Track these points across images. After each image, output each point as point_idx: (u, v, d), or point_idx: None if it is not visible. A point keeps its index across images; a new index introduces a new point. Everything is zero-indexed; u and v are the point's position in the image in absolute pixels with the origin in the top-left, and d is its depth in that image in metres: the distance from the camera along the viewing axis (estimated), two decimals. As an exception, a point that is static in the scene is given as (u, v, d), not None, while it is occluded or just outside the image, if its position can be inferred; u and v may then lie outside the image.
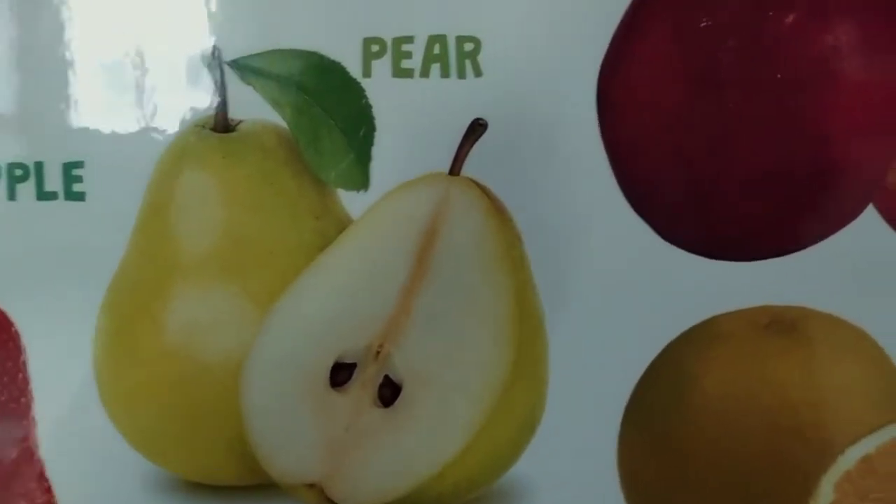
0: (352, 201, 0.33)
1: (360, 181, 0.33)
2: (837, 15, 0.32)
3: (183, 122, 0.33)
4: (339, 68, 0.33)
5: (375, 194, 0.33)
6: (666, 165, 0.32)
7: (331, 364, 0.34)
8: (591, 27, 0.32)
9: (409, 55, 0.32)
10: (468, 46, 0.32)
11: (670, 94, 0.32)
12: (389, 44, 0.32)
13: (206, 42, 0.32)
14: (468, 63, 0.32)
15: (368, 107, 0.33)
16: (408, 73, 0.32)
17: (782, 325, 0.34)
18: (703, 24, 0.31)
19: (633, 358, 0.34)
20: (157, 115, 0.33)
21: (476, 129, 0.33)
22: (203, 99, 0.33)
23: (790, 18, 0.31)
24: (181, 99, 0.33)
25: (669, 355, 0.34)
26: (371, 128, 0.33)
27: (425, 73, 0.32)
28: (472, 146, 0.33)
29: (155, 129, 0.33)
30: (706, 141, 0.32)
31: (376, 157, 0.33)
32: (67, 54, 0.33)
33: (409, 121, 0.33)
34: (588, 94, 0.32)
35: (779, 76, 0.32)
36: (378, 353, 0.34)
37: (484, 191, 0.33)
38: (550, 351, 0.34)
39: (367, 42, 0.32)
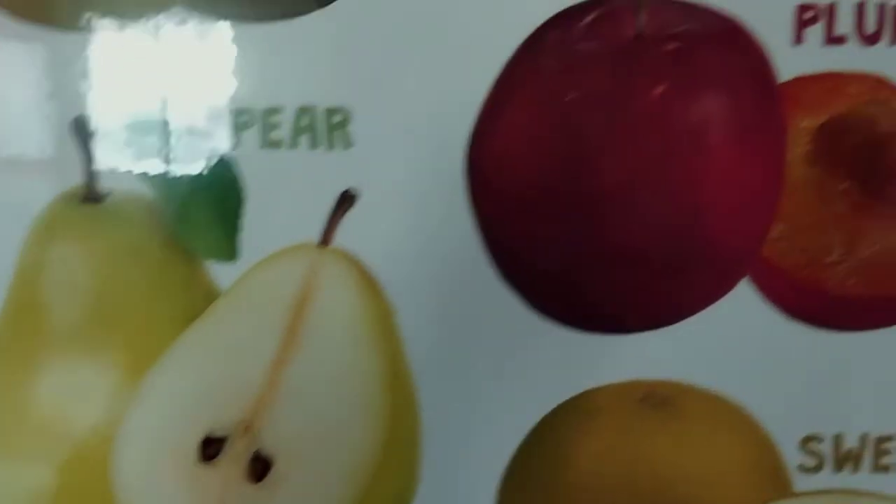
0: (221, 273, 0.33)
1: (229, 252, 0.33)
2: (706, 86, 0.31)
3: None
4: (206, 139, 0.32)
5: (245, 266, 0.33)
6: (535, 238, 0.32)
7: (201, 438, 0.33)
8: (461, 98, 0.32)
9: (277, 126, 0.32)
10: (337, 118, 0.32)
11: (538, 167, 0.31)
12: (258, 115, 0.32)
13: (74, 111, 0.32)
14: (337, 134, 0.32)
15: (237, 178, 0.32)
16: (277, 144, 0.32)
17: (657, 399, 0.33)
18: (569, 97, 0.31)
19: (507, 434, 0.33)
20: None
21: (346, 200, 0.32)
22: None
23: (658, 90, 0.31)
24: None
25: (542, 431, 0.33)
26: (240, 199, 0.32)
27: (294, 144, 0.32)
28: (342, 217, 0.32)
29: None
30: (575, 214, 0.32)
31: (245, 228, 0.32)
32: None
33: (279, 192, 0.32)
34: (457, 165, 0.32)
35: (648, 148, 0.31)
36: (248, 427, 0.33)
37: (355, 263, 0.33)
38: (423, 427, 0.33)
39: (236, 113, 0.32)
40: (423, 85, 0.32)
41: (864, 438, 0.34)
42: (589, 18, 0.31)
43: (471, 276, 0.33)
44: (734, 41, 0.31)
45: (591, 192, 0.32)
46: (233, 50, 0.32)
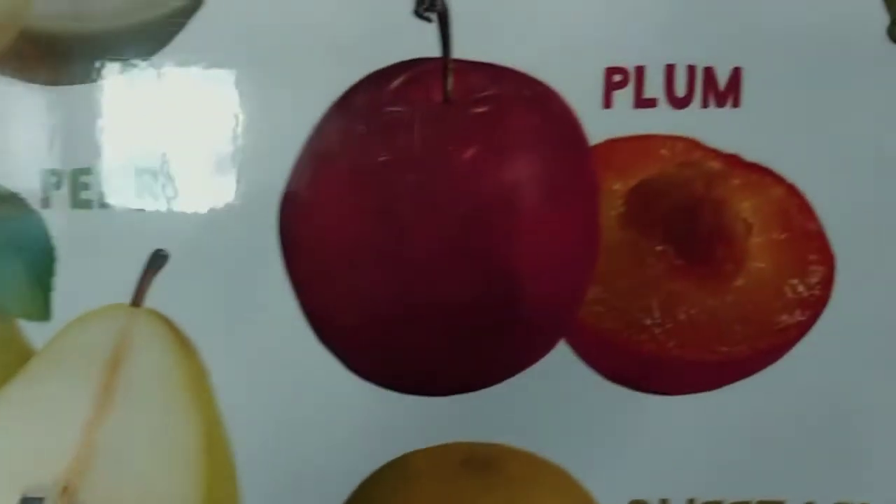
0: (35, 332, 0.33)
1: (41, 312, 0.32)
2: (516, 149, 0.31)
3: None
4: (17, 199, 0.32)
5: (59, 325, 0.32)
6: (348, 299, 0.32)
7: (18, 499, 0.32)
8: (273, 158, 0.32)
9: (87, 186, 0.32)
10: (147, 177, 0.32)
11: (349, 230, 0.31)
12: (68, 175, 0.32)
13: None
14: (149, 194, 0.32)
15: (48, 237, 0.32)
16: (87, 205, 0.32)
17: (479, 462, 0.33)
18: (381, 159, 0.31)
19: (327, 498, 0.33)
20: None
21: (158, 259, 0.32)
22: None
23: (468, 154, 0.31)
24: None
25: (363, 495, 0.32)
26: (51, 258, 0.32)
27: (105, 203, 0.32)
28: (153, 277, 0.32)
29: None
30: (388, 276, 0.31)
31: (57, 288, 0.32)
32: None
33: (90, 251, 0.32)
34: (271, 225, 0.32)
35: (461, 211, 0.31)
36: (65, 488, 0.32)
37: (168, 323, 0.32)
38: (242, 489, 0.33)
39: (46, 174, 0.32)
40: (235, 144, 0.32)
41: None
42: (397, 82, 0.31)
43: (289, 337, 0.32)
44: (543, 104, 0.31)
45: (403, 254, 0.31)
46: (42, 112, 0.32)
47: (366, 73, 0.31)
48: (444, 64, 0.31)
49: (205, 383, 0.32)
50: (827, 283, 0.32)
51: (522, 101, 0.31)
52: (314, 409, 0.32)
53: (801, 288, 0.32)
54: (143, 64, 0.31)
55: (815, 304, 0.32)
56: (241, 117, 0.31)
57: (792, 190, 0.32)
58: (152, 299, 0.32)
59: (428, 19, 0.31)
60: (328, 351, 0.32)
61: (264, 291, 0.32)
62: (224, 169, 0.32)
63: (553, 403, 0.33)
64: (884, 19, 0.31)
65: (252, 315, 0.32)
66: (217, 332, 0.32)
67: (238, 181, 0.32)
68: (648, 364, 0.32)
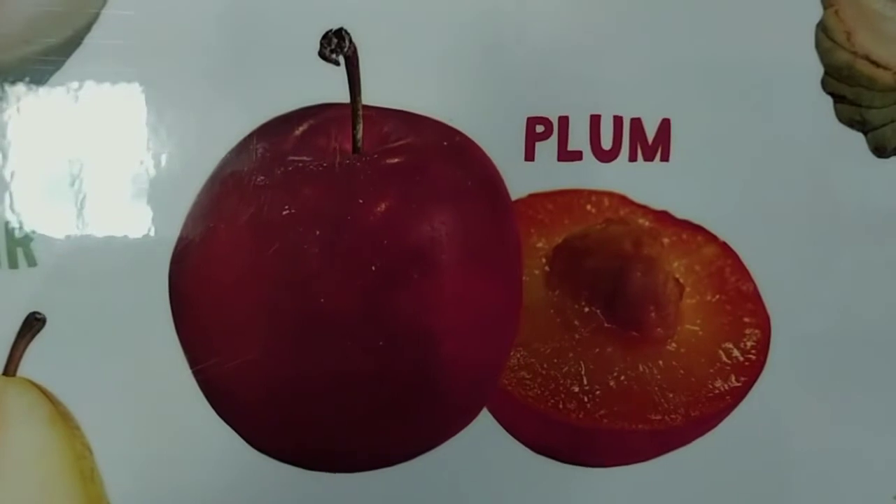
0: None
1: None
2: (433, 203, 0.29)
3: None
4: None
5: (-81, 397, 0.29)
6: (246, 367, 0.29)
7: None
8: (163, 212, 0.29)
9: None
10: (20, 233, 0.29)
11: (246, 290, 0.28)
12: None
13: None
14: (20, 251, 0.29)
15: None
16: (-51, 262, 0.29)
17: (392, 544, 0.30)
18: (285, 212, 0.29)
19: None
20: None
21: (33, 323, 0.29)
22: None
23: (381, 207, 0.29)
24: None
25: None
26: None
27: (-27, 261, 0.29)
28: (28, 343, 0.29)
29: None
30: (291, 342, 0.28)
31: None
32: None
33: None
34: (160, 286, 0.29)
35: (373, 269, 0.29)
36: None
37: (45, 394, 0.29)
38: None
39: None
40: (125, 187, 0.29)
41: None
42: (301, 129, 0.29)
43: (183, 408, 0.29)
44: (462, 155, 0.29)
45: (308, 318, 0.28)
46: None
47: (268, 115, 0.29)
48: (354, 110, 0.29)
49: (88, 462, 0.29)
50: (763, 346, 0.30)
51: (439, 151, 0.29)
52: (213, 488, 0.29)
53: (735, 352, 0.30)
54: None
55: (751, 369, 0.30)
56: (133, 153, 0.29)
57: (725, 248, 0.30)
58: (27, 367, 0.29)
59: (335, 62, 0.29)
60: (228, 425, 0.29)
61: (154, 360, 0.29)
62: (110, 218, 0.29)
63: (475, 478, 0.30)
64: (818, 69, 0.30)
65: (141, 386, 0.29)
66: (100, 405, 0.29)
67: (126, 232, 0.29)
68: (577, 434, 0.30)
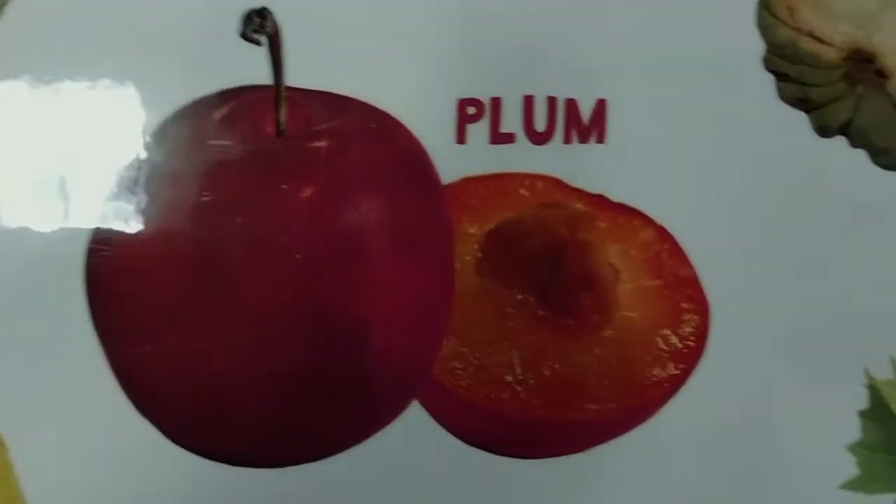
0: None
1: None
2: (360, 187, 0.28)
3: None
4: None
5: None
6: (166, 362, 0.28)
7: None
8: (78, 201, 0.28)
9: None
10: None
11: (165, 280, 0.27)
12: None
13: None
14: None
15: None
16: None
17: (322, 539, 0.29)
18: (204, 198, 0.27)
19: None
20: None
21: (-59, 317, 0.28)
22: None
23: (306, 193, 0.27)
24: None
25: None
26: None
27: None
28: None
29: None
30: (213, 334, 0.27)
31: None
32: None
33: None
34: (77, 277, 0.28)
35: (298, 257, 0.28)
36: None
37: (-44, 390, 0.28)
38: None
39: None
40: (36, 176, 0.28)
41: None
42: (221, 112, 0.27)
43: (100, 405, 0.28)
44: (390, 138, 0.28)
45: (230, 308, 0.27)
46: None
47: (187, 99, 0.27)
48: (277, 92, 0.28)
49: (1, 458, 0.28)
50: (702, 333, 0.29)
51: (366, 134, 0.28)
52: (133, 485, 0.28)
53: (674, 339, 0.29)
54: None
55: (690, 357, 0.30)
56: (44, 143, 0.27)
57: (662, 232, 0.29)
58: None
59: (257, 42, 0.28)
60: (147, 420, 0.28)
61: (73, 351, 0.28)
62: (22, 210, 0.27)
63: (406, 471, 0.29)
64: (759, 47, 0.29)
65: (58, 379, 0.28)
66: (15, 398, 0.28)
67: (40, 224, 0.27)
68: (511, 425, 0.29)
